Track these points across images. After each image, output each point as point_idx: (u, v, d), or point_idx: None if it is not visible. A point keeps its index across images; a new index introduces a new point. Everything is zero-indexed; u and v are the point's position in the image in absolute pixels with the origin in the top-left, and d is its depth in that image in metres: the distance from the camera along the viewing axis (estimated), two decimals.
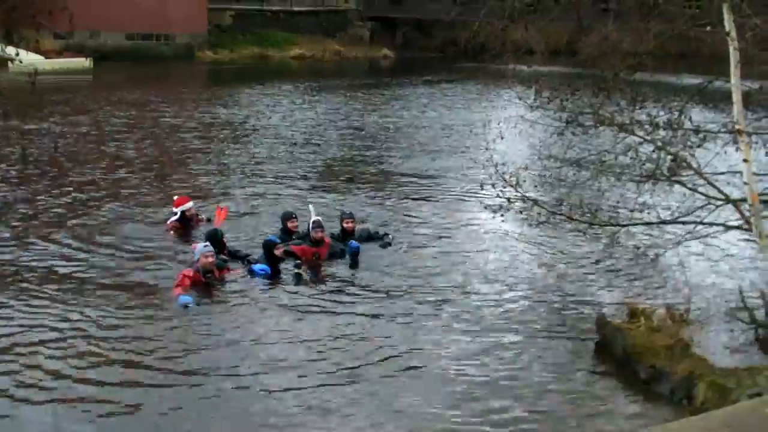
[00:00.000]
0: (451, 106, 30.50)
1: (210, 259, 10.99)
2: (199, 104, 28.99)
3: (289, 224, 12.66)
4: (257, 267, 11.32)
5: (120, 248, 12.53)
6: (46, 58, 34.06)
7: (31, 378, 8.39)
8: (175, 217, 13.39)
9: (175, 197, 13.88)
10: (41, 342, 9.20)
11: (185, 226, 13.40)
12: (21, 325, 9.65)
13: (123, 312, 10.15)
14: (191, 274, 10.81)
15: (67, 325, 9.70)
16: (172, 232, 13.29)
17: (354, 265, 12.06)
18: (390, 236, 13.16)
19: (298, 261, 11.63)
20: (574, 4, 13.53)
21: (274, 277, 11.34)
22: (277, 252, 11.50)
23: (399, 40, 55.14)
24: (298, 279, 11.34)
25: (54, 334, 9.45)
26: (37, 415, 7.77)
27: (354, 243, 12.21)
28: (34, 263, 11.79)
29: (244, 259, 11.76)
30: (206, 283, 10.88)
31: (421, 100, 32.19)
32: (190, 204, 13.58)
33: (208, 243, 11.28)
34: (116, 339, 9.39)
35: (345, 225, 12.83)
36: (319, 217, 12.56)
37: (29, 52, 27.84)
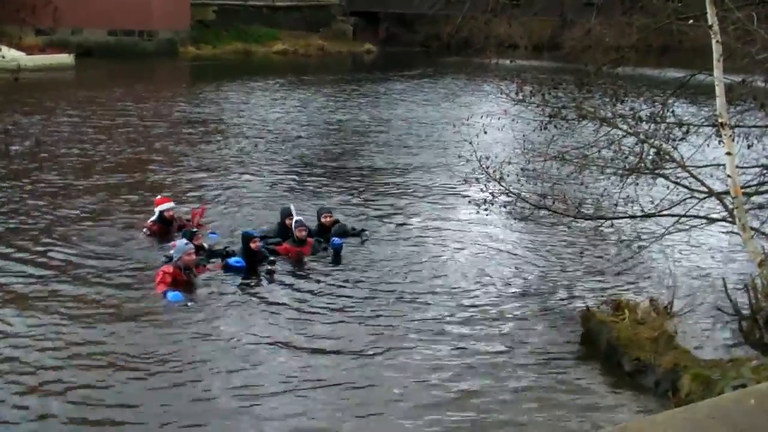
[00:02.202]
0: (433, 101, 30.44)
1: (192, 257, 11.02)
2: (180, 101, 28.77)
3: (288, 221, 12.59)
4: (232, 260, 11.36)
5: (95, 248, 12.35)
6: (28, 54, 33.82)
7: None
8: (153, 217, 13.02)
9: (159, 197, 13.65)
10: (12, 346, 9.00)
11: (164, 228, 12.94)
12: None
13: (96, 311, 10.03)
14: (171, 270, 10.76)
15: (37, 323, 9.59)
16: (145, 230, 12.89)
17: (336, 262, 12.03)
18: (367, 232, 13.17)
19: (273, 258, 11.61)
20: None
21: (249, 271, 11.32)
22: (253, 246, 11.51)
23: (382, 35, 54.99)
24: (270, 276, 11.34)
25: (25, 334, 9.31)
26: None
27: (337, 240, 12.19)
28: (6, 261, 11.67)
29: (223, 251, 11.74)
30: (186, 280, 10.85)
31: (403, 94, 32.11)
32: (169, 205, 13.16)
33: (188, 241, 11.23)
34: (91, 338, 9.28)
35: (323, 220, 12.89)
36: (300, 217, 12.57)
37: (11, 49, 27.76)
